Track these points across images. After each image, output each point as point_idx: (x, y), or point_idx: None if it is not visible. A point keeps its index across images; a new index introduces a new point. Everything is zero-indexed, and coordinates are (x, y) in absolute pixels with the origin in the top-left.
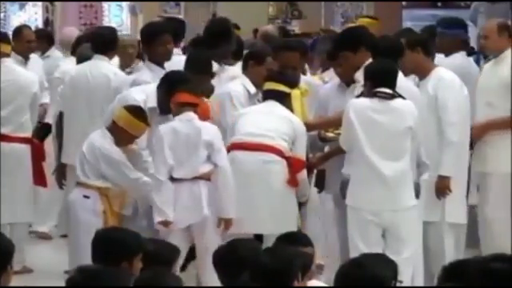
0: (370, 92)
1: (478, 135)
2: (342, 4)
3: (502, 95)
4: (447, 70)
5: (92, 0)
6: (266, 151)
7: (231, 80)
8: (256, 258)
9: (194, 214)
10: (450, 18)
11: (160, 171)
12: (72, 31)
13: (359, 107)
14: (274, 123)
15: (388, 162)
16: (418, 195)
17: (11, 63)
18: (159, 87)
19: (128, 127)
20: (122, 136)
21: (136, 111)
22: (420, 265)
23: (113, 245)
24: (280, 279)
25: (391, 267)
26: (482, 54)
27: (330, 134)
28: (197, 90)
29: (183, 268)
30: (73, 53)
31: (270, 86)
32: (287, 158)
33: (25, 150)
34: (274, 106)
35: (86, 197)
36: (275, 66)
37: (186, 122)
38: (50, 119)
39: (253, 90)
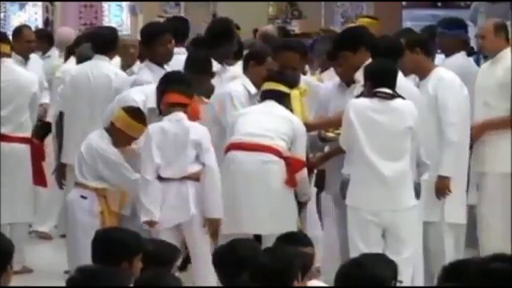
0: (370, 92)
1: (476, 135)
2: (341, 4)
3: (498, 95)
4: (447, 70)
5: (92, 0)
6: (265, 151)
7: (232, 80)
8: (256, 258)
9: (181, 213)
10: (450, 18)
11: (147, 170)
12: (68, 31)
13: (359, 107)
14: (273, 123)
15: (388, 162)
16: (418, 195)
17: (11, 63)
18: (158, 88)
19: (126, 128)
20: (119, 137)
21: (134, 112)
22: (420, 265)
23: (113, 245)
24: (280, 279)
25: (391, 267)
26: (481, 54)
27: (330, 134)
28: (188, 90)
29: (183, 268)
30: (71, 53)
31: (270, 86)
32: (285, 158)
33: (24, 149)
34: (273, 106)
35: (84, 197)
36: (275, 66)
37: (174, 121)
38: (50, 119)
39: (253, 90)
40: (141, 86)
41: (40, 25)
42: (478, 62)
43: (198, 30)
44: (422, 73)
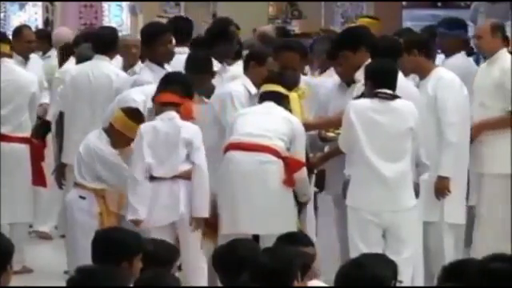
0: (370, 92)
1: (473, 135)
2: (341, 4)
3: (494, 95)
4: (448, 70)
5: (92, 0)
6: (263, 151)
7: (233, 80)
8: (256, 258)
9: (172, 212)
10: (450, 18)
11: (136, 170)
12: (65, 32)
13: (360, 108)
14: (272, 123)
15: (388, 163)
16: (417, 195)
17: (11, 63)
18: (158, 88)
19: (124, 130)
20: (118, 138)
21: (132, 114)
22: (420, 265)
23: (113, 245)
24: (280, 279)
25: (391, 267)
26: (481, 55)
27: (331, 134)
28: (181, 90)
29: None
30: (69, 54)
31: (269, 87)
32: (284, 158)
33: (24, 149)
34: (272, 107)
35: (82, 198)
36: (276, 67)
37: (166, 120)
38: (49, 119)
39: (253, 90)
40: (141, 86)
41: (40, 25)
42: (477, 62)
43: (198, 29)
44: (422, 73)
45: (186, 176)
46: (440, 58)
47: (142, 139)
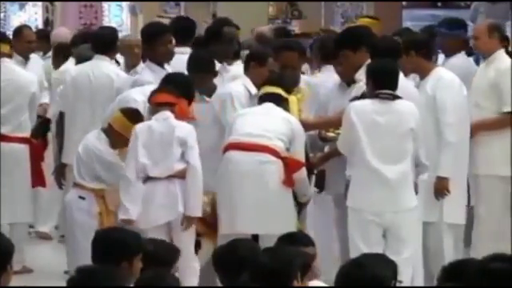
0: (371, 92)
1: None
2: (341, 4)
3: (489, 96)
4: (448, 70)
5: (92, 0)
6: (262, 151)
7: (233, 80)
8: (256, 258)
9: (170, 212)
10: (450, 18)
11: (130, 169)
12: (64, 32)
13: (360, 109)
14: (272, 123)
15: (390, 164)
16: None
17: (10, 63)
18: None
19: (122, 130)
20: (116, 138)
21: (131, 114)
22: (420, 265)
23: (113, 245)
24: (280, 279)
25: (391, 267)
26: (481, 55)
27: (331, 134)
28: (176, 90)
29: None
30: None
31: (268, 89)
32: (283, 159)
33: (23, 149)
34: (272, 107)
35: (82, 198)
36: (276, 67)
37: (161, 120)
38: (50, 117)
39: (254, 90)
40: (141, 87)
41: (40, 25)
42: (478, 62)
43: (198, 30)
44: (422, 73)
45: (181, 175)
46: (440, 57)
47: (136, 139)
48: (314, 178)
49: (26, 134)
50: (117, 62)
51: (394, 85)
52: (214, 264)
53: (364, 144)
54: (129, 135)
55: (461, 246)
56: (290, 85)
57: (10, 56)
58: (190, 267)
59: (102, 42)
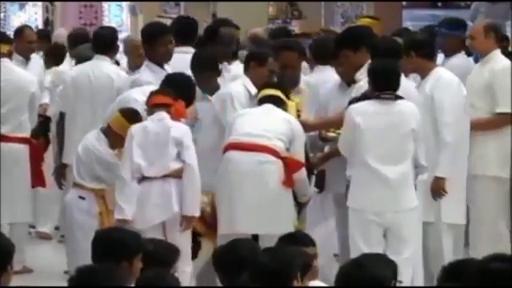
0: (372, 93)
1: None
2: (341, 4)
3: (483, 96)
4: (447, 70)
5: (92, 0)
6: (262, 151)
7: (234, 80)
8: (256, 258)
9: (164, 211)
10: (450, 18)
11: (125, 170)
12: (65, 34)
13: (361, 110)
14: (271, 124)
15: (390, 165)
16: None
17: (10, 63)
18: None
19: (121, 131)
20: (115, 139)
21: (129, 115)
22: (419, 265)
23: (113, 245)
24: (280, 279)
25: (391, 267)
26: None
27: (331, 134)
28: (173, 91)
29: None
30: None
31: (268, 92)
32: (283, 159)
33: (23, 150)
34: (271, 108)
35: (82, 198)
36: (276, 67)
37: (156, 121)
38: (49, 115)
39: (254, 90)
40: (142, 87)
41: (40, 25)
42: (477, 62)
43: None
44: (422, 73)
45: (177, 175)
46: (440, 57)
47: (131, 139)
48: (313, 177)
49: (26, 134)
50: (116, 63)
51: (395, 85)
52: (214, 264)
53: (365, 145)
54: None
55: (461, 245)
56: (290, 85)
57: (9, 56)
58: (183, 272)
59: (102, 41)
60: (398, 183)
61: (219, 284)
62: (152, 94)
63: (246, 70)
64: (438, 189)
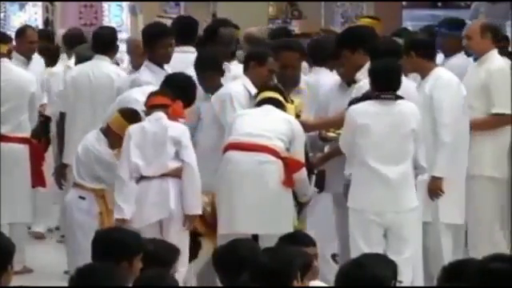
0: (373, 93)
1: None
2: (341, 4)
3: (479, 97)
4: (447, 70)
5: (92, 0)
6: (262, 151)
7: (234, 80)
8: (256, 258)
9: (161, 210)
10: (450, 18)
11: (123, 170)
12: None
13: (362, 111)
14: (272, 124)
15: (391, 166)
16: None
17: (9, 63)
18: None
19: (120, 131)
20: (115, 139)
21: (129, 115)
22: (419, 265)
23: (113, 245)
24: (280, 279)
25: (391, 267)
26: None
27: (331, 134)
28: (171, 92)
29: None
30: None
31: (267, 94)
32: (283, 159)
33: (23, 150)
34: (271, 109)
35: (82, 198)
36: (276, 67)
37: (154, 121)
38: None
39: (253, 90)
40: (142, 87)
41: (40, 25)
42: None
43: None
44: (422, 73)
45: (175, 174)
46: (440, 57)
47: (129, 140)
48: (314, 177)
49: (26, 134)
50: (116, 63)
51: (396, 85)
52: (213, 264)
53: (365, 145)
54: None
55: (461, 245)
56: (290, 85)
57: (9, 56)
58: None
59: (102, 42)
60: (399, 183)
61: (219, 284)
62: (150, 95)
63: (246, 70)
64: (435, 188)
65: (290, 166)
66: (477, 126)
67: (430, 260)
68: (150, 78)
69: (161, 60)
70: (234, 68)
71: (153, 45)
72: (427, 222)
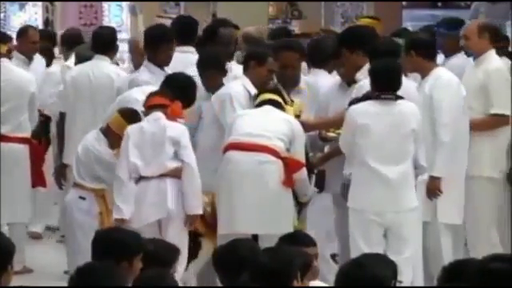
0: (373, 93)
1: None
2: (342, 4)
3: (477, 97)
4: (448, 70)
5: (92, 0)
6: (262, 151)
7: (234, 80)
8: (256, 258)
9: (159, 209)
10: (449, 18)
11: (122, 170)
12: None
13: (362, 111)
14: (272, 124)
15: (391, 166)
16: None
17: (9, 63)
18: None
19: (120, 131)
20: (115, 139)
21: (129, 115)
22: (419, 265)
23: (113, 245)
24: (279, 279)
25: (391, 267)
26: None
27: (331, 134)
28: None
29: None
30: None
31: (266, 96)
32: (283, 159)
33: (23, 150)
34: (271, 109)
35: (82, 198)
36: (276, 67)
37: (152, 121)
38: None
39: (253, 90)
40: (142, 87)
41: (40, 25)
42: None
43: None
44: (422, 73)
45: (174, 174)
46: (440, 57)
47: (128, 140)
48: (314, 177)
49: (26, 134)
50: (116, 63)
51: (396, 85)
52: (213, 264)
53: (365, 145)
54: None
55: (461, 245)
56: (290, 85)
57: (9, 56)
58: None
59: (102, 42)
60: (399, 183)
61: (219, 284)
62: (149, 95)
63: (246, 70)
64: (433, 188)
65: (290, 166)
66: (475, 127)
67: (429, 260)
68: (149, 79)
69: (161, 63)
70: (235, 68)
71: (154, 48)
72: (427, 221)
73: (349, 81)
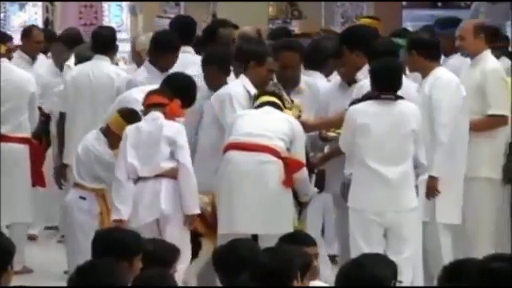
0: (373, 93)
1: None
2: (342, 4)
3: (474, 98)
4: (448, 70)
5: (92, 0)
6: (262, 151)
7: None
8: (256, 258)
9: (154, 210)
10: (446, 17)
11: (120, 170)
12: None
13: (361, 111)
14: (272, 123)
15: (391, 166)
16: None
17: (9, 63)
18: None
19: (119, 131)
20: (115, 139)
21: (129, 115)
22: (419, 265)
23: (113, 245)
24: (279, 279)
25: (391, 267)
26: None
27: (331, 134)
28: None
29: None
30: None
31: (265, 98)
32: (283, 159)
33: (23, 150)
34: (271, 110)
35: (83, 198)
36: (276, 67)
37: (150, 120)
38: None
39: (253, 90)
40: (142, 86)
41: (40, 25)
42: None
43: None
44: (423, 73)
45: (170, 174)
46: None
47: (126, 140)
48: (314, 177)
49: (26, 134)
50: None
51: (396, 85)
52: (213, 264)
53: (365, 145)
54: None
55: (461, 245)
56: (290, 85)
57: (9, 56)
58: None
59: (102, 42)
60: (399, 183)
61: (219, 284)
62: (148, 94)
63: (245, 70)
64: (432, 188)
65: (290, 165)
66: (474, 128)
67: (429, 260)
68: (146, 80)
69: (162, 68)
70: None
71: (159, 54)
72: (426, 221)
73: (349, 80)
